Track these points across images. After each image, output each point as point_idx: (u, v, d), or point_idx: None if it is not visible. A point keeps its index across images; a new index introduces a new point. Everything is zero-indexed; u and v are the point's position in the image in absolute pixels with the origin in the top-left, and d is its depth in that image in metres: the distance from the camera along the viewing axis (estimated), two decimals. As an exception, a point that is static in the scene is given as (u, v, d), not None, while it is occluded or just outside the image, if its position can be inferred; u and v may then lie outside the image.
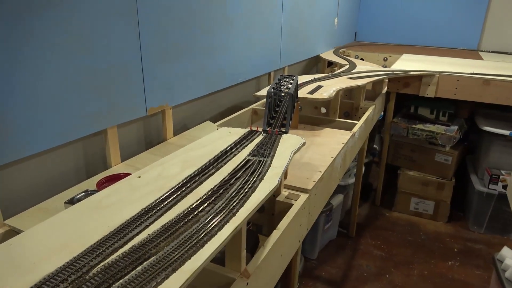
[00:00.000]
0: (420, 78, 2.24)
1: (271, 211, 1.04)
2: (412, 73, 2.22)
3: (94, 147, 1.18)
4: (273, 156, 0.92)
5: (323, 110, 2.04)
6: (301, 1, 2.35)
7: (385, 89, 2.37)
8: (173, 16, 1.29)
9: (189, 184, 0.79)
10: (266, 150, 0.95)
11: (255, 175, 0.82)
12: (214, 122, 1.59)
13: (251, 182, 0.79)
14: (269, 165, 0.87)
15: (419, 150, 2.48)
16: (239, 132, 1.10)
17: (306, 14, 2.47)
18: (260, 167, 0.86)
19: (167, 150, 1.31)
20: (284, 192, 1.06)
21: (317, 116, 1.83)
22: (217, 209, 0.70)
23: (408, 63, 2.58)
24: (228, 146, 0.98)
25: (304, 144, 1.04)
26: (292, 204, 1.00)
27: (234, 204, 0.71)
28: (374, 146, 2.95)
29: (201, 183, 0.80)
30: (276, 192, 1.05)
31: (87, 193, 0.92)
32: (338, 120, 1.78)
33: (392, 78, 2.27)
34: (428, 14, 3.51)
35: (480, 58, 2.89)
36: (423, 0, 3.51)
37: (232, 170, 0.84)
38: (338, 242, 2.31)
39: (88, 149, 1.17)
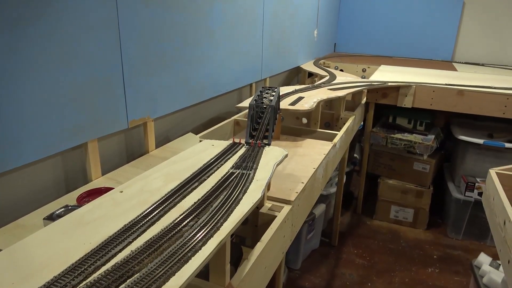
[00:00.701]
0: (397, 88, 2.30)
1: (254, 223, 1.04)
2: (390, 84, 2.28)
3: (74, 160, 1.16)
4: (256, 168, 0.93)
5: (305, 120, 2.07)
6: (281, 13, 2.39)
7: (364, 100, 2.42)
8: (155, 28, 1.29)
9: (173, 198, 0.79)
10: (249, 163, 0.96)
11: (239, 188, 0.82)
12: (197, 134, 1.59)
13: (234, 195, 0.79)
14: (252, 178, 0.88)
15: (398, 159, 2.53)
16: (222, 144, 1.10)
17: (286, 26, 2.51)
18: (243, 180, 0.86)
19: (149, 163, 1.30)
20: (267, 204, 1.07)
21: (298, 126, 1.85)
22: (201, 223, 0.70)
23: (386, 74, 2.64)
24: (211, 159, 0.98)
25: (286, 156, 1.05)
26: (275, 216, 1.01)
27: (218, 218, 0.72)
28: (355, 155, 3.00)
29: (184, 197, 0.80)
30: (259, 204, 1.05)
31: (67, 209, 0.90)
32: (319, 131, 1.80)
33: (371, 89, 2.33)
34: (405, 27, 3.63)
35: (454, 69, 3.00)
36: (400, 13, 3.62)
37: (216, 184, 0.85)
38: (321, 251, 2.32)
39: (67, 163, 1.15)
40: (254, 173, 0.90)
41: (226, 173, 0.90)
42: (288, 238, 1.09)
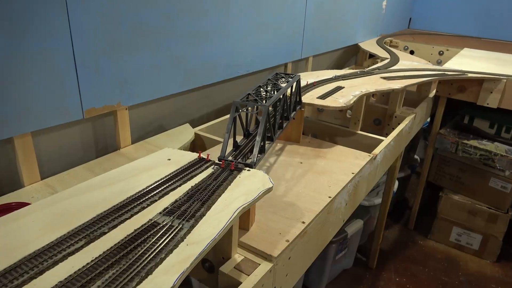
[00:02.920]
0: (480, 82, 1.74)
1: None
2: (470, 75, 1.73)
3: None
4: (202, 216, 0.58)
5: (350, 113, 1.63)
6: (336, -24, 1.91)
7: (433, 92, 1.89)
8: (129, -14, 0.95)
9: (40, 260, 0.47)
10: (196, 203, 0.60)
11: (144, 260, 0.48)
12: (203, 123, 1.27)
13: (127, 277, 0.45)
14: (183, 238, 0.53)
15: (470, 171, 1.99)
16: (183, 159, 0.76)
17: (342, -7, 2.03)
18: (164, 241, 0.51)
19: (113, 163, 1.00)
20: (238, 256, 0.71)
21: (333, 124, 1.43)
22: None
23: (468, 60, 2.06)
24: (148, 187, 0.64)
25: (269, 190, 0.68)
26: (241, 283, 0.65)
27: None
28: (416, 156, 2.47)
29: (55, 263, 0.48)
30: (225, 253, 0.70)
31: None
32: (360, 134, 1.37)
33: (443, 80, 1.79)
34: (499, 0, 2.88)
35: None
36: (498, -17, 2.88)
37: (112, 247, 0.51)
38: (353, 272, 1.92)
39: (-4, 160, 0.88)
40: (191, 227, 0.55)
41: (147, 222, 0.55)
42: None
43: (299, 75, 1.07)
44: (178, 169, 0.71)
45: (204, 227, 0.55)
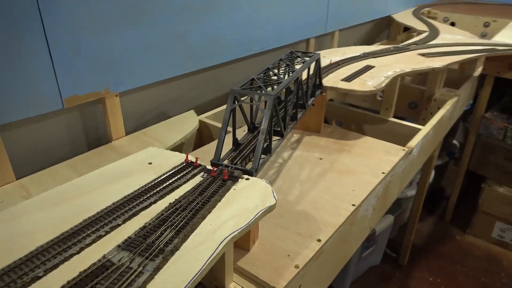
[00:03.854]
0: (538, 57, 1.48)
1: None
2: (526, 49, 1.47)
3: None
4: (173, 251, 0.43)
5: (381, 94, 1.43)
6: None
7: (479, 71, 1.64)
8: None
9: None
10: (169, 231, 0.45)
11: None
12: (216, 108, 1.13)
13: None
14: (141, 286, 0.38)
15: (519, 160, 1.75)
16: (166, 163, 0.61)
17: (374, -43, 1.78)
18: (114, 295, 0.37)
19: (102, 159, 0.87)
20: (234, 286, 0.57)
21: (361, 110, 1.24)
22: None
23: (521, 32, 1.78)
24: (110, 206, 0.50)
25: (271, 208, 0.52)
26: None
27: None
28: (454, 141, 2.23)
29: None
30: (217, 281, 0.56)
31: None
32: (393, 121, 1.18)
33: (491, 56, 1.54)
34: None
35: None
36: None
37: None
38: (381, 270, 1.76)
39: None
40: (156, 270, 0.40)
41: (98, 262, 0.41)
42: None
43: (319, 54, 0.88)
44: (158, 177, 0.57)
45: (174, 269, 0.40)
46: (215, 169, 0.57)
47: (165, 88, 1.09)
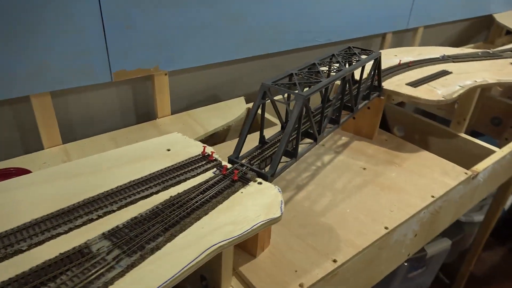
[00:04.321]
0: None
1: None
2: None
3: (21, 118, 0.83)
4: (154, 250, 0.41)
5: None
6: None
7: None
8: None
9: None
10: (157, 227, 0.43)
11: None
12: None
13: None
14: (106, 285, 0.37)
15: None
16: (185, 152, 0.59)
17: None
18: None
19: (142, 135, 0.88)
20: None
21: (428, 120, 1.11)
22: None
23: None
24: (113, 190, 0.49)
25: (274, 221, 0.47)
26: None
27: None
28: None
29: None
30: (214, 282, 0.53)
31: None
32: (463, 138, 1.03)
33: None
34: None
35: None
36: None
37: (17, 277, 0.37)
38: (430, 295, 1.60)
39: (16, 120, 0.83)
40: (129, 268, 0.38)
41: (79, 247, 0.40)
42: None
43: (379, 53, 0.79)
44: (171, 166, 0.55)
45: (147, 271, 0.38)
46: (227, 166, 0.54)
47: (218, 71, 1.07)
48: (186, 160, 0.56)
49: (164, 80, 0.92)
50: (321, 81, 0.60)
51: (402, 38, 1.58)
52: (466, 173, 0.83)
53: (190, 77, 1.03)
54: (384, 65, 1.04)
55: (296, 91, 0.55)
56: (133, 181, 0.51)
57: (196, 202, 0.47)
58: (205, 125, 0.93)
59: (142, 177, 0.52)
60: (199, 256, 0.40)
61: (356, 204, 0.72)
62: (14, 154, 0.83)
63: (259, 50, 1.06)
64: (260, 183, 0.53)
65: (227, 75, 1.10)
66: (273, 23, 1.05)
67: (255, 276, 0.55)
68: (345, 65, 0.70)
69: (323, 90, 0.61)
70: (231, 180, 0.52)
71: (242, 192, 0.51)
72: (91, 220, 0.44)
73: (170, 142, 0.62)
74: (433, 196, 0.75)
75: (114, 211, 0.46)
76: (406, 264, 1.35)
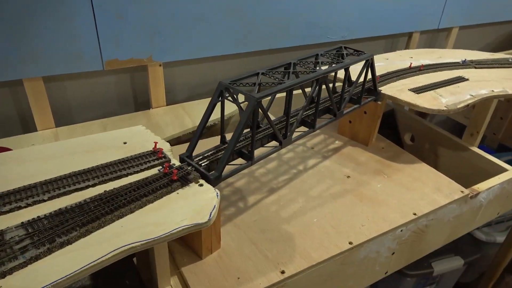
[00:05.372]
0: None
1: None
2: None
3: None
4: (63, 244, 0.41)
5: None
6: None
7: None
8: None
9: None
10: (75, 221, 0.43)
11: None
12: None
13: None
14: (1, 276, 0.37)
15: None
16: (141, 146, 0.58)
17: None
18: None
19: (132, 123, 0.89)
20: (167, 291, 0.53)
21: (439, 128, 1.02)
22: None
23: None
24: (54, 178, 0.50)
25: (199, 226, 0.46)
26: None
27: None
28: None
29: None
30: (152, 279, 0.53)
31: None
32: (474, 152, 0.95)
33: None
34: None
35: None
36: None
37: None
38: (441, 314, 1.50)
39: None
40: (32, 260, 0.39)
41: (-6, 232, 0.41)
42: None
43: (371, 55, 0.73)
44: (119, 159, 0.55)
45: (49, 265, 0.39)
46: (173, 164, 0.53)
47: (219, 65, 1.06)
48: (137, 154, 0.56)
49: (159, 71, 0.93)
50: (284, 82, 0.57)
51: (434, 39, 1.47)
52: (462, 191, 0.76)
53: (189, 70, 1.02)
54: (393, 67, 0.98)
55: (251, 93, 0.53)
56: (75, 171, 0.51)
57: (125, 199, 0.47)
58: (195, 119, 0.93)
59: (85, 169, 0.52)
60: (105, 255, 0.40)
61: (326, 214, 0.68)
62: (14, 133, 0.88)
63: (261, 45, 1.03)
64: (201, 185, 0.51)
65: (228, 69, 1.08)
66: (277, 16, 1.01)
67: (195, 278, 0.54)
68: (320, 66, 0.66)
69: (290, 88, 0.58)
70: (169, 180, 0.50)
71: (178, 193, 0.49)
72: (19, 208, 0.45)
73: (130, 135, 0.62)
74: (415, 214, 0.69)
75: (44, 200, 0.46)
76: (409, 279, 1.28)
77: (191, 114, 0.95)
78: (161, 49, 0.90)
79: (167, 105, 0.99)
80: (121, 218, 0.45)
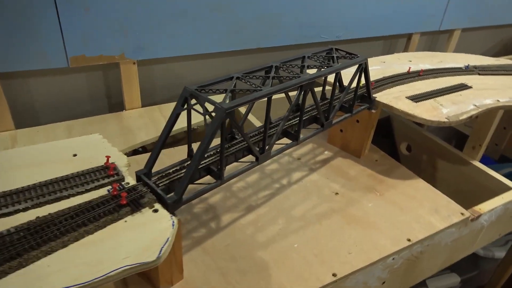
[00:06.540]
0: None
1: None
2: None
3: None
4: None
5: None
6: None
7: None
8: None
9: None
10: (-13, 260, 0.35)
11: None
12: None
13: None
14: None
15: None
16: (93, 160, 0.50)
17: None
18: None
19: (104, 127, 0.81)
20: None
21: (439, 139, 0.94)
22: None
23: None
24: (-19, 199, 0.42)
25: (144, 266, 0.37)
26: None
27: None
28: None
29: None
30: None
31: None
32: (476, 167, 0.87)
33: None
34: None
35: None
36: None
37: None
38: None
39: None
40: None
41: None
42: None
43: (365, 59, 0.65)
44: (65, 176, 0.47)
45: None
46: (117, 186, 0.45)
47: (202, 64, 0.97)
48: (85, 171, 0.48)
49: (132, 69, 0.84)
50: (261, 89, 0.49)
51: (435, 41, 1.39)
52: (462, 213, 0.68)
53: (169, 69, 0.94)
54: (390, 71, 0.89)
55: (220, 103, 0.45)
56: (4, 192, 0.43)
57: (58, 229, 0.38)
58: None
59: (18, 188, 0.44)
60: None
61: (310, 238, 0.60)
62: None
63: (248, 44, 0.95)
64: (156, 210, 0.43)
65: (211, 69, 1.00)
66: (266, 13, 0.93)
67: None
68: (305, 71, 0.58)
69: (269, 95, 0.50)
70: (117, 204, 0.42)
71: (126, 221, 0.41)
72: None
73: (84, 146, 0.53)
74: (409, 240, 0.62)
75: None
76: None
77: (168, 117, 0.86)
78: (136, 45, 0.81)
79: (142, 106, 0.90)
80: (49, 254, 0.37)
